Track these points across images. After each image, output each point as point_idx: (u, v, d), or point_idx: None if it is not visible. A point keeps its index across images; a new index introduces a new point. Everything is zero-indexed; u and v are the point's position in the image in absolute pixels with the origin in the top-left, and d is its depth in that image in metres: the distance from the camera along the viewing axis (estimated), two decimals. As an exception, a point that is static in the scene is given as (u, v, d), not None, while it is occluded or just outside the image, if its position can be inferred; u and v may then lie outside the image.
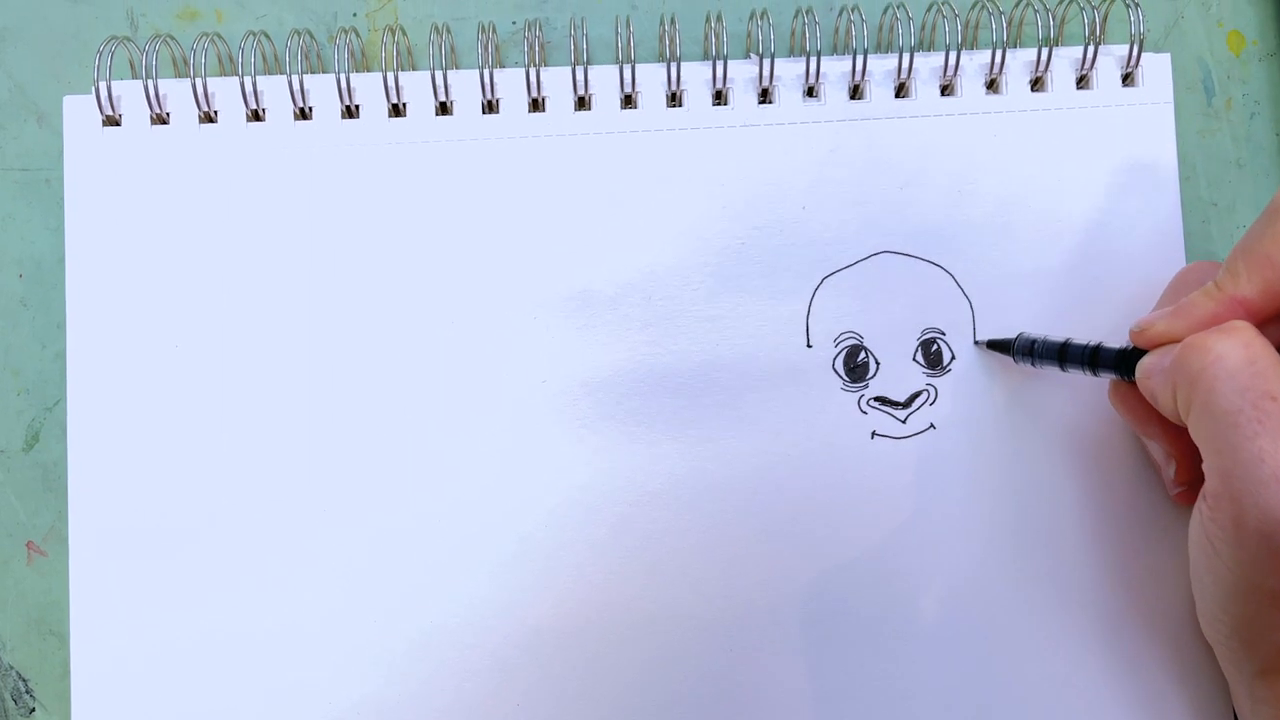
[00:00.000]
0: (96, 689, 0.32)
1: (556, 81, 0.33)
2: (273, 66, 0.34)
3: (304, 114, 0.33)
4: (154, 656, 0.32)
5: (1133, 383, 0.28)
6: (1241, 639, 0.27)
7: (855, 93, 0.34)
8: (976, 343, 0.33)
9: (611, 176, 0.33)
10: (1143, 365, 0.28)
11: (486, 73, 0.33)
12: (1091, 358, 0.30)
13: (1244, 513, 0.24)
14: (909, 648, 0.33)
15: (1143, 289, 0.33)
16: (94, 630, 0.32)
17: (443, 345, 0.33)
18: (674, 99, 0.33)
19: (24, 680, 0.34)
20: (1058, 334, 0.31)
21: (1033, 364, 0.32)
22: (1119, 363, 0.29)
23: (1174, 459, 0.30)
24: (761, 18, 0.33)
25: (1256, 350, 0.25)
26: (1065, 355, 0.30)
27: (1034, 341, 0.31)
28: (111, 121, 0.33)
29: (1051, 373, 0.32)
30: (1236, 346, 0.25)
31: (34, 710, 0.34)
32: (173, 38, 0.34)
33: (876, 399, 0.33)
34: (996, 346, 0.33)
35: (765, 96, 0.34)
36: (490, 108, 0.33)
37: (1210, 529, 0.26)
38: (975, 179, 0.33)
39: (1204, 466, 0.26)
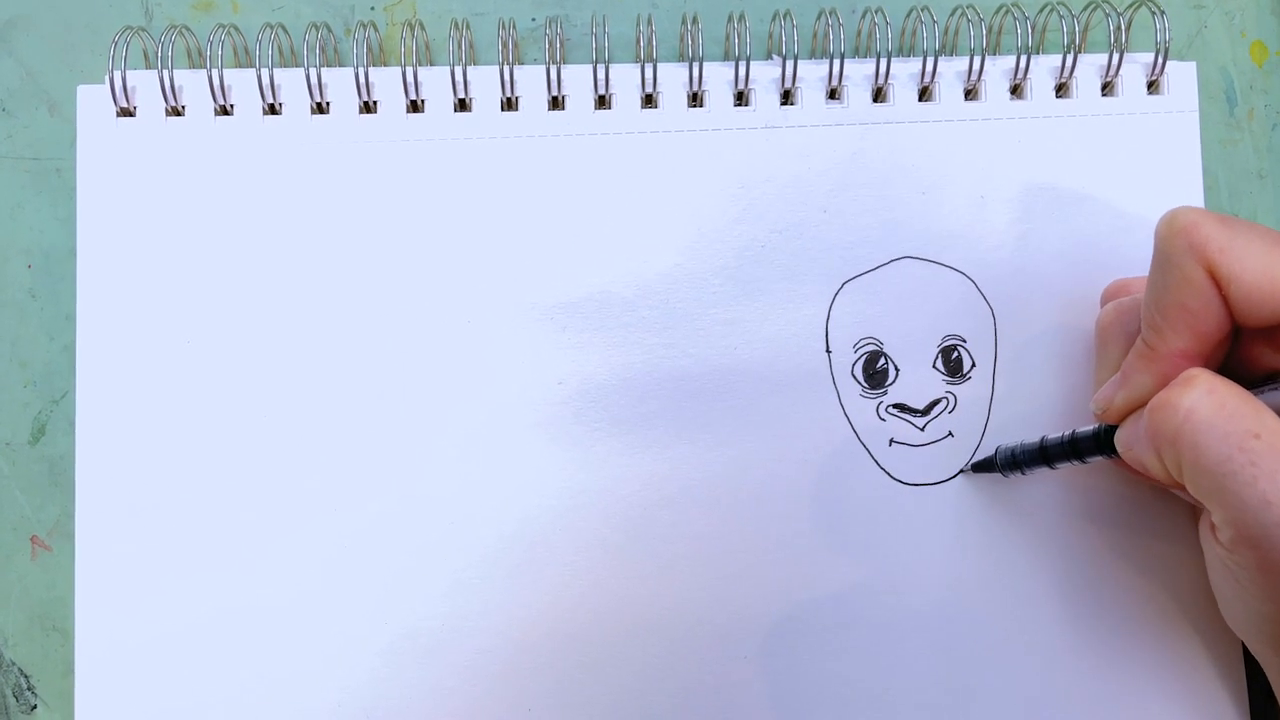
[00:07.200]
0: (100, 686, 0.31)
1: (577, 79, 0.33)
2: (289, 60, 0.34)
3: (321, 108, 0.33)
4: (159, 654, 0.31)
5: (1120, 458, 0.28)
6: None
7: (878, 96, 0.33)
8: (963, 471, 0.33)
9: (631, 176, 0.33)
10: (1120, 440, 0.28)
11: (506, 69, 0.32)
12: (1073, 448, 0.29)
13: (1266, 557, 0.24)
14: (925, 658, 0.32)
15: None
16: (99, 627, 0.31)
17: (458, 345, 0.32)
18: (695, 99, 0.33)
19: (26, 676, 0.33)
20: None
21: (1023, 473, 0.31)
22: (1100, 444, 0.29)
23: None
24: (784, 18, 0.33)
25: (1223, 393, 0.24)
26: (1048, 455, 0.30)
27: (1014, 451, 0.31)
28: (126, 112, 0.33)
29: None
30: (1202, 395, 0.24)
31: (35, 707, 0.33)
32: (188, 29, 0.33)
33: (895, 406, 0.33)
34: (981, 468, 0.32)
35: (787, 98, 0.33)
36: (509, 105, 0.33)
37: (1234, 570, 0.26)
38: (998, 185, 0.33)
39: (1214, 518, 0.25)
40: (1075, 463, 0.30)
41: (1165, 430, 0.25)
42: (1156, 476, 0.26)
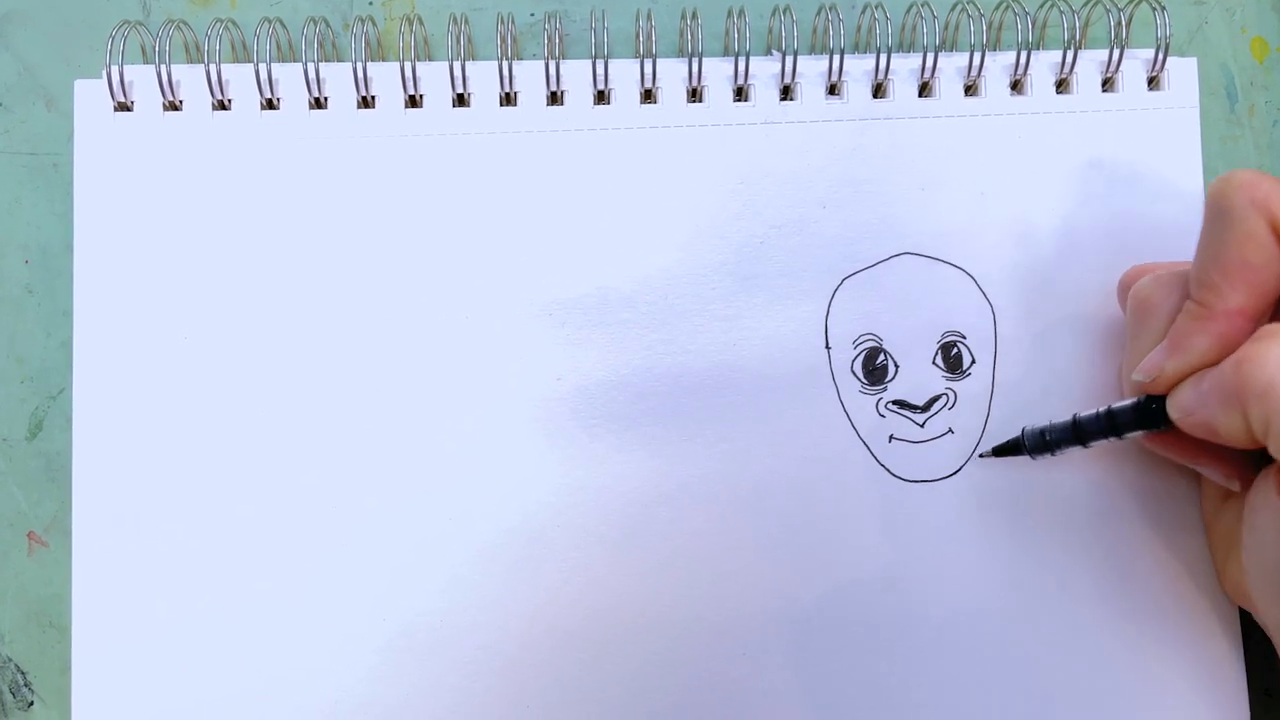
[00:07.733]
0: (97, 683, 0.31)
1: (575, 75, 0.33)
2: (287, 54, 0.34)
3: (319, 103, 0.33)
4: (156, 651, 0.31)
5: (1165, 432, 0.28)
6: None
7: (878, 91, 0.33)
8: (982, 455, 0.32)
9: (630, 172, 0.33)
10: (1180, 405, 0.27)
11: (505, 64, 0.32)
12: (1110, 423, 0.29)
13: None
14: (923, 655, 0.32)
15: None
16: (96, 623, 0.31)
17: (456, 340, 0.32)
18: (694, 94, 0.33)
19: (23, 673, 0.33)
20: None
21: (1052, 454, 0.31)
22: (1142, 417, 0.28)
23: (1235, 477, 0.29)
24: (784, 14, 0.32)
25: None
26: (1081, 433, 0.30)
27: (1043, 431, 0.31)
28: (123, 107, 0.32)
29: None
30: None
31: (32, 704, 0.33)
32: (186, 23, 0.33)
33: (895, 402, 0.33)
34: (1004, 451, 0.32)
35: (787, 94, 0.33)
36: (508, 100, 0.33)
37: None
38: (998, 180, 0.33)
39: None
40: (1111, 439, 0.29)
41: (1254, 384, 0.24)
42: (1225, 438, 0.26)
